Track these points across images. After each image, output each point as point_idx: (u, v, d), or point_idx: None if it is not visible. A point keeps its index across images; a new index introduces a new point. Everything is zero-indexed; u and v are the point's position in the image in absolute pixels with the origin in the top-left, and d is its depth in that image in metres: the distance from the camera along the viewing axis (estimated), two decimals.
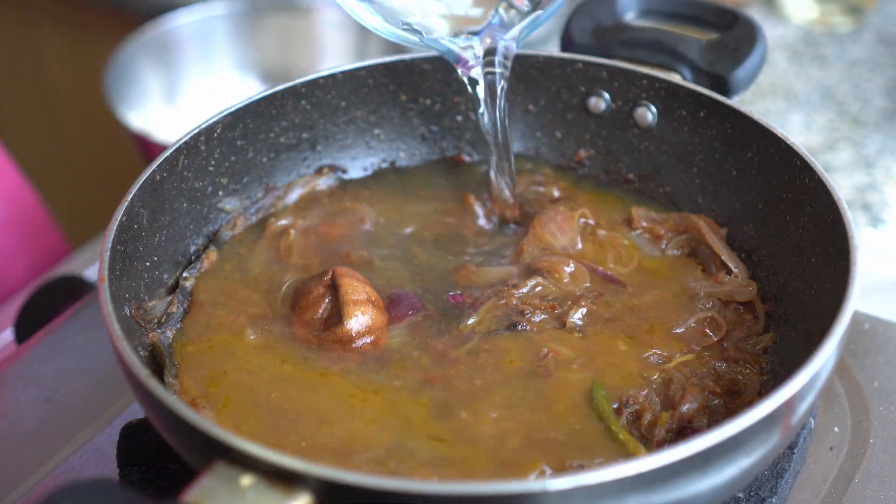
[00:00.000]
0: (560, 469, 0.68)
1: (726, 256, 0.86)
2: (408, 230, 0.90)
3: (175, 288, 0.84)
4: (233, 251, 0.88)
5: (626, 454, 0.70)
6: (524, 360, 0.77)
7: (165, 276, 0.85)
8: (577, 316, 0.80)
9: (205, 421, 0.61)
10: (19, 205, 1.20)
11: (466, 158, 0.99)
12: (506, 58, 0.86)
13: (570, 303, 0.81)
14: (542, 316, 0.80)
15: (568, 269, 0.84)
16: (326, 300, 0.79)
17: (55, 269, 1.14)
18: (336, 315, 0.78)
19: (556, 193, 0.94)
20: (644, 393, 0.74)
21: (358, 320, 0.77)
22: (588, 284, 0.83)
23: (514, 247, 0.88)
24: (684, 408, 0.73)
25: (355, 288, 0.78)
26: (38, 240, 1.20)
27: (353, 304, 0.77)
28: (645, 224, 0.90)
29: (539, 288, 0.82)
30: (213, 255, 0.87)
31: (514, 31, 0.86)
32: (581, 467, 0.68)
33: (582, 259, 0.86)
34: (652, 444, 0.72)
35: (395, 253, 0.88)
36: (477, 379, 0.75)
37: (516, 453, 0.69)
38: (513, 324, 0.79)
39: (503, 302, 0.81)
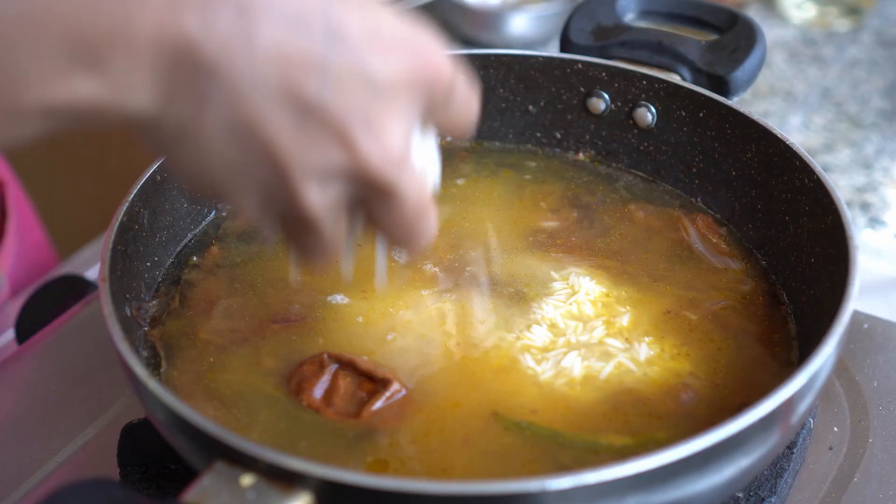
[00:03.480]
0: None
1: (714, 260, 0.86)
2: None
3: (176, 288, 0.84)
4: (233, 250, 0.88)
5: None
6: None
7: (166, 276, 0.85)
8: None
9: (205, 420, 0.61)
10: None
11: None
12: None
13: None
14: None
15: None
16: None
17: (51, 272, 1.14)
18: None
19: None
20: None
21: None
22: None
23: None
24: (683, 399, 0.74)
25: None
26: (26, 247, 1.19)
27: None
28: (642, 216, 0.90)
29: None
30: (214, 253, 0.87)
31: None
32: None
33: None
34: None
35: None
36: None
37: None
38: None
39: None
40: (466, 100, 0.61)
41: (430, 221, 0.61)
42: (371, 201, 0.58)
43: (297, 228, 0.59)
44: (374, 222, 0.61)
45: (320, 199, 0.56)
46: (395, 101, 0.56)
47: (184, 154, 0.55)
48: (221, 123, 0.53)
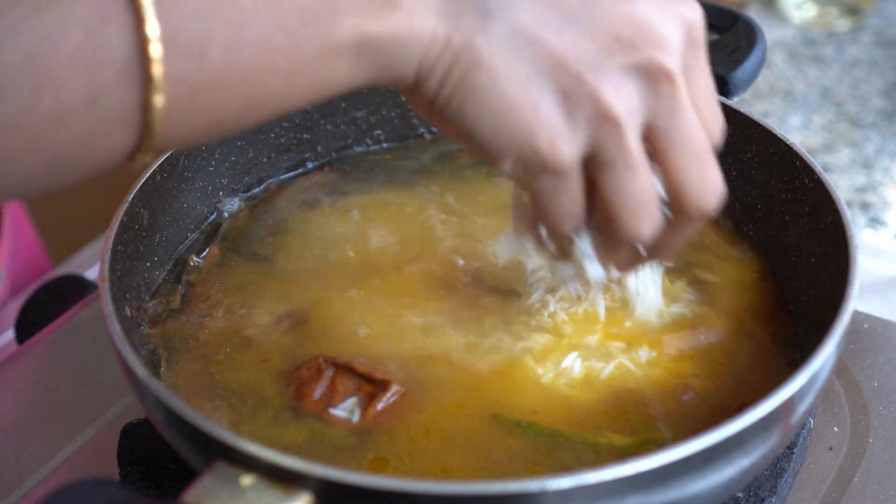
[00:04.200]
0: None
1: (714, 260, 0.86)
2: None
3: (176, 288, 0.84)
4: (234, 250, 0.88)
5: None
6: None
7: (166, 276, 0.85)
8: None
9: (205, 421, 0.61)
10: None
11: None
12: None
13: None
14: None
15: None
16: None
17: (45, 272, 1.14)
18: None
19: None
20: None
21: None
22: None
23: None
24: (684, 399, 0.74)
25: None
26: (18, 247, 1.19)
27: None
28: None
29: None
30: (214, 253, 0.87)
31: None
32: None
33: None
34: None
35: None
36: None
37: None
38: None
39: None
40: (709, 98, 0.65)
41: (715, 163, 0.64)
42: (659, 112, 0.61)
43: (606, 140, 0.61)
44: (661, 149, 0.64)
45: (619, 95, 0.59)
46: (656, 12, 0.60)
47: (478, 78, 0.58)
48: (505, 37, 0.57)
